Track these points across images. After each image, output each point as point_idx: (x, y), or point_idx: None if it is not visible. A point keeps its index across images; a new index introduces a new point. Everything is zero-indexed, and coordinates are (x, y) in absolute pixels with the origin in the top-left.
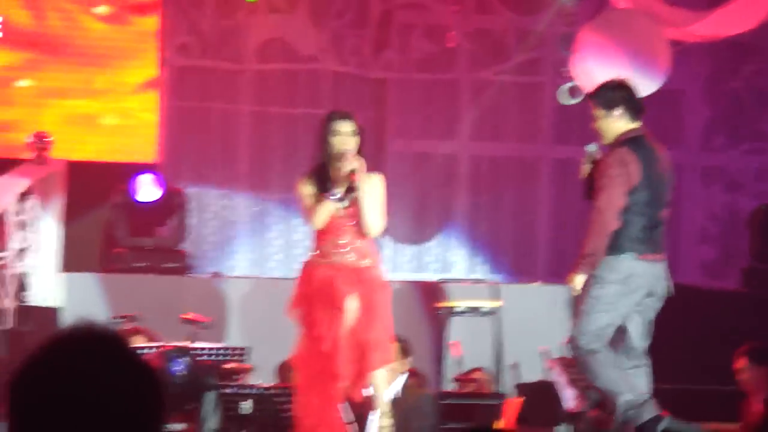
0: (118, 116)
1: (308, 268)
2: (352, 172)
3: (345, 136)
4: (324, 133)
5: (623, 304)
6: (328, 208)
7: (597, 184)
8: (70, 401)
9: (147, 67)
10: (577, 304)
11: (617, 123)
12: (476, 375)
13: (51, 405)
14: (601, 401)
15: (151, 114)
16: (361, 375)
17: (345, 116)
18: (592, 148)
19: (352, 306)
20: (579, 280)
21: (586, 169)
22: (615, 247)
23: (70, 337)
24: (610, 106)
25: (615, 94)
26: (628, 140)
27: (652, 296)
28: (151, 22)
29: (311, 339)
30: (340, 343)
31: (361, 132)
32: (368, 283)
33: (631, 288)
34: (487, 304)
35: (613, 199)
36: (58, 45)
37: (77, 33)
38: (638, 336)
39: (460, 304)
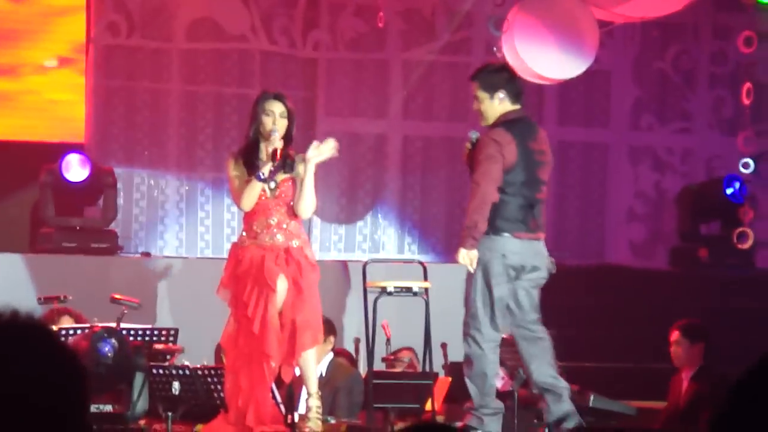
0: (27, 94)
1: (238, 248)
2: (275, 151)
3: (275, 116)
4: (255, 112)
5: (502, 283)
6: (256, 189)
7: (474, 162)
8: None
9: (56, 45)
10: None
11: (499, 106)
12: (404, 354)
13: None
14: (529, 380)
15: (63, 92)
16: (290, 355)
17: (276, 96)
18: (474, 133)
19: (281, 287)
20: (465, 254)
21: (467, 152)
22: (492, 227)
23: None
24: (493, 90)
25: (498, 77)
26: (505, 121)
27: (534, 272)
28: (58, 1)
29: (241, 319)
30: (270, 324)
31: (292, 113)
32: (297, 263)
33: (508, 266)
34: (417, 285)
35: (490, 173)
36: None
37: None
38: (527, 310)
39: (390, 284)
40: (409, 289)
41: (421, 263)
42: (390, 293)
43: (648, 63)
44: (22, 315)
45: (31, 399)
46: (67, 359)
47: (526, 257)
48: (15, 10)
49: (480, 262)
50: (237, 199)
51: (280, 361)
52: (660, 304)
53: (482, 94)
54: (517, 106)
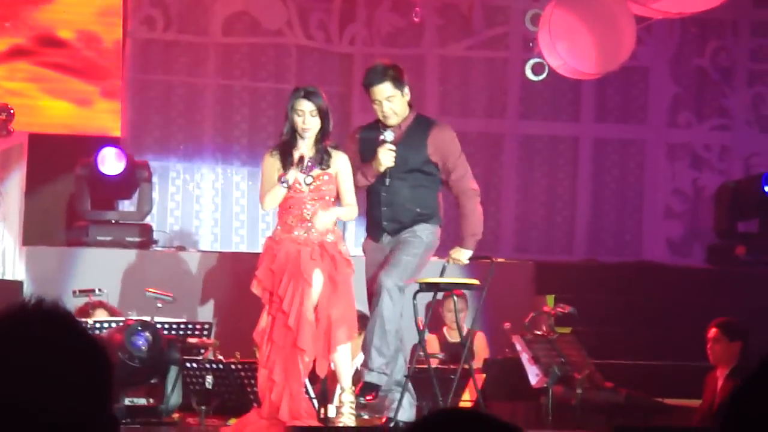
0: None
1: (272, 242)
2: (302, 157)
3: (305, 116)
4: (288, 109)
5: None
6: (278, 193)
7: (450, 162)
8: (12, 380)
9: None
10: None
11: (406, 102)
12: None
13: None
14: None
15: (13, 83)
16: (324, 350)
17: (306, 95)
18: (390, 135)
19: (317, 281)
20: (468, 256)
21: (388, 156)
22: (438, 216)
23: (17, 314)
24: (402, 86)
25: (400, 72)
26: (423, 115)
27: None
28: None
29: (276, 314)
30: (305, 318)
31: (324, 109)
32: (332, 258)
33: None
34: (466, 281)
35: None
36: None
37: None
38: None
39: (437, 281)
40: (459, 285)
41: (455, 260)
42: (439, 289)
43: (686, 59)
44: (47, 303)
45: (55, 390)
46: (92, 347)
47: None
48: None
49: (431, 244)
50: (261, 198)
51: (315, 356)
52: (696, 302)
53: (395, 92)
54: None
